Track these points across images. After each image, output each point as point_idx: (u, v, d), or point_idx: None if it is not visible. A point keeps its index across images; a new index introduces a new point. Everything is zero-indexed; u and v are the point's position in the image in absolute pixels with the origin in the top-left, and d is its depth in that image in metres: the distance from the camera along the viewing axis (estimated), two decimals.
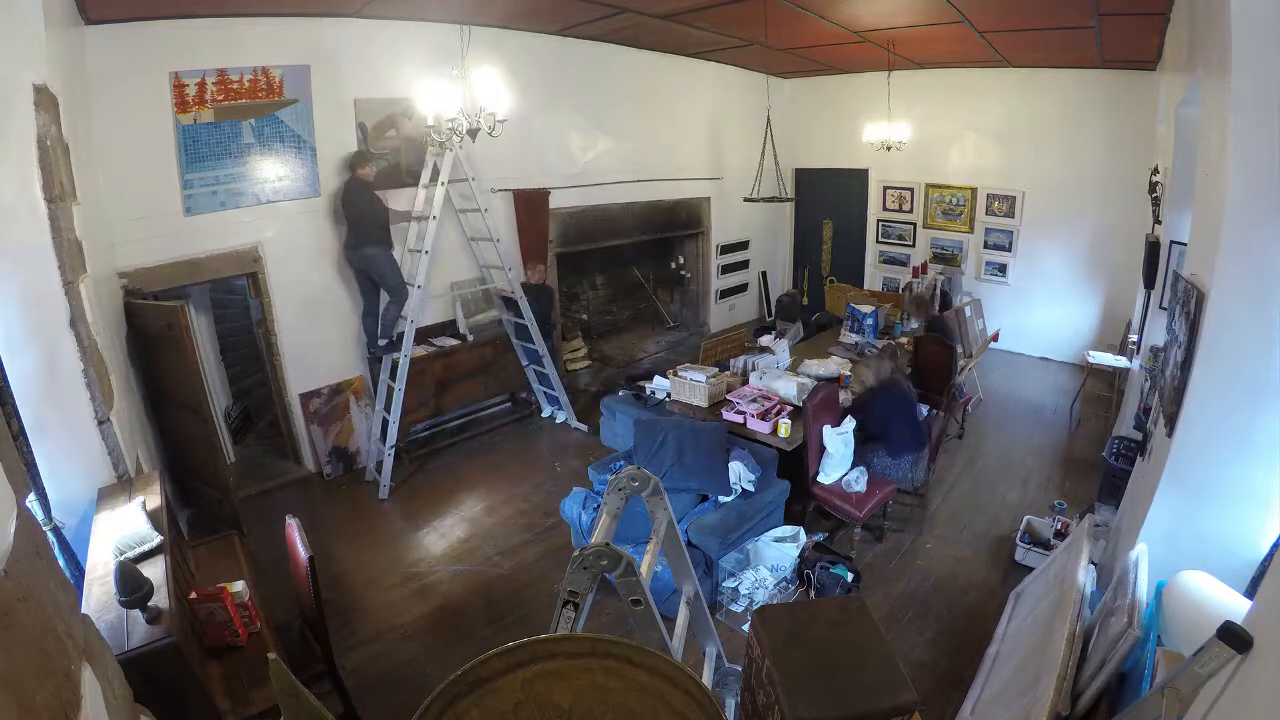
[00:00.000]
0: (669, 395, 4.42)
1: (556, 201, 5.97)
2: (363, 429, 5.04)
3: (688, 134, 7.34)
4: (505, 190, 5.58)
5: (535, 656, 1.09)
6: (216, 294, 5.33)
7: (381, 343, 4.71)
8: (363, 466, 4.99)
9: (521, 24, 5.27)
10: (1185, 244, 3.32)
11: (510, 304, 5.30)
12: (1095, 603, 2.61)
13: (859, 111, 7.24)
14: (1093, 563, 2.83)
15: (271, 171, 4.37)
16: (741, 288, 8.64)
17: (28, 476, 2.05)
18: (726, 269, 8.28)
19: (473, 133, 3.51)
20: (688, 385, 4.32)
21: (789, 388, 4.20)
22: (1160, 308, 4.05)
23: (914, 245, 7.98)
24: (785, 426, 3.84)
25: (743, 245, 8.43)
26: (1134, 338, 5.11)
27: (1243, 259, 2.08)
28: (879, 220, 8.22)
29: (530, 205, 5.73)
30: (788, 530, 3.66)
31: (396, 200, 4.95)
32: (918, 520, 4.18)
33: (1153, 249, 4.45)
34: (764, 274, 8.92)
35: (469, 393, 5.48)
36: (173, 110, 3.90)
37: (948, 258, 7.62)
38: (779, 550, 3.53)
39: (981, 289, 7.34)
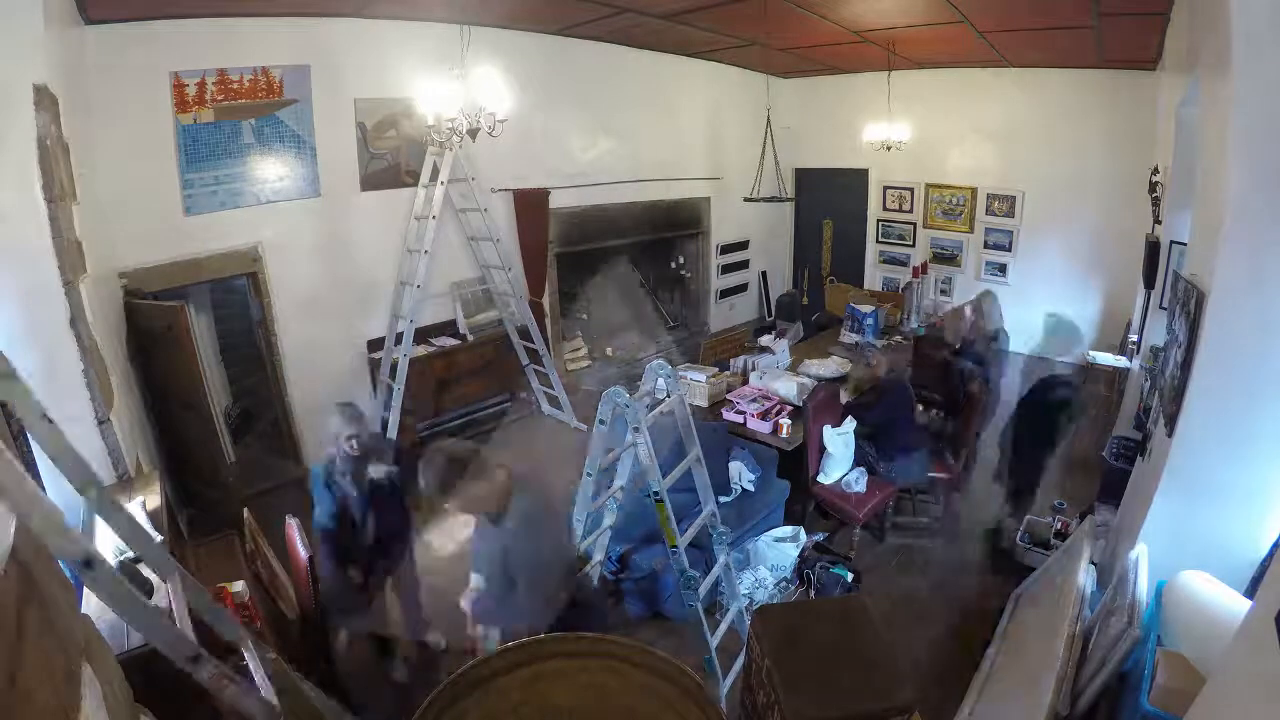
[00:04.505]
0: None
1: (556, 201, 5.96)
2: None
3: (688, 134, 7.34)
4: (505, 190, 5.57)
5: (535, 656, 1.10)
6: (216, 294, 5.32)
7: None
8: None
9: (521, 24, 5.27)
10: (1185, 244, 3.32)
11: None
12: (1095, 603, 2.61)
13: (859, 111, 7.23)
14: (1093, 563, 2.83)
15: (271, 171, 4.37)
16: (741, 288, 8.64)
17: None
18: (726, 269, 8.28)
19: (473, 133, 3.51)
20: (688, 385, 4.32)
21: (789, 388, 4.20)
22: (1160, 308, 4.05)
23: (914, 245, 7.97)
24: (785, 426, 3.84)
25: (743, 245, 8.43)
26: (1134, 338, 5.11)
27: (1243, 259, 2.08)
28: (879, 220, 8.21)
29: (530, 205, 5.73)
30: (788, 530, 3.66)
31: (396, 200, 4.95)
32: (918, 520, 4.18)
33: (1153, 249, 4.45)
34: (764, 274, 8.91)
35: (469, 392, 5.48)
36: (173, 110, 3.89)
37: (948, 257, 7.62)
38: (779, 550, 3.53)
39: (981, 289, 7.33)
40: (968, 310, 4.50)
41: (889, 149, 6.60)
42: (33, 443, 2.14)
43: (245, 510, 2.94)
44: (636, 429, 2.45)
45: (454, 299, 5.44)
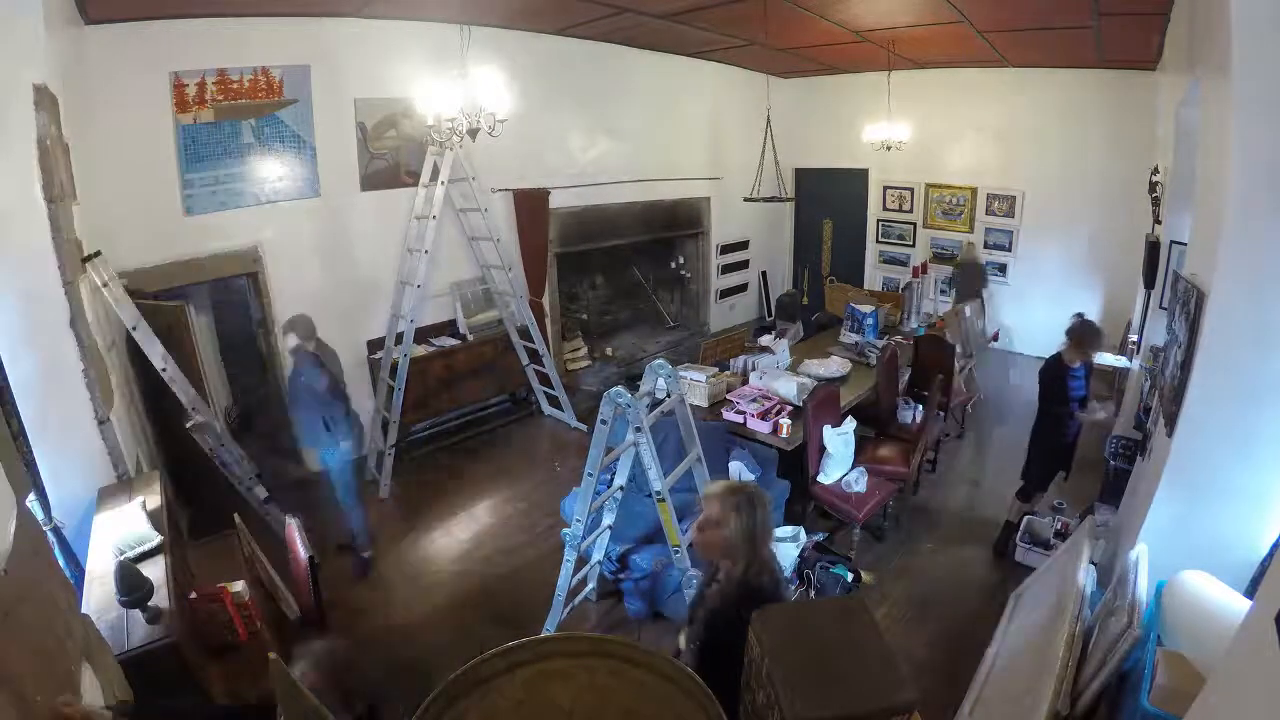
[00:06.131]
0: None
1: (556, 201, 5.96)
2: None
3: (688, 134, 7.34)
4: (505, 190, 5.58)
5: (535, 656, 1.10)
6: (216, 294, 5.32)
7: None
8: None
9: (521, 24, 5.27)
10: (1185, 244, 3.32)
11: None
12: (1095, 603, 2.61)
13: (859, 111, 7.24)
14: (1093, 563, 2.83)
15: (271, 171, 4.37)
16: (741, 288, 8.64)
17: (28, 476, 2.05)
18: (726, 269, 8.28)
19: (473, 133, 3.50)
20: (688, 385, 4.31)
21: (789, 388, 4.20)
22: (1160, 308, 4.05)
23: (914, 245, 7.98)
24: (785, 426, 3.84)
25: (743, 245, 8.43)
26: (1134, 338, 5.11)
27: (1243, 259, 2.08)
28: (879, 220, 8.22)
29: (530, 205, 5.73)
30: (788, 530, 3.65)
31: (396, 200, 4.95)
32: (918, 520, 4.18)
33: (1153, 249, 4.45)
34: (764, 274, 8.92)
35: (469, 393, 5.48)
36: (173, 110, 3.89)
37: (948, 257, 7.62)
38: (779, 550, 3.53)
39: (985, 293, 7.33)
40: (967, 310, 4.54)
41: (889, 149, 6.59)
42: (33, 443, 2.14)
43: (236, 515, 2.93)
44: (638, 429, 2.46)
45: (454, 299, 5.44)
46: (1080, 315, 3.84)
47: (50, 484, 2.33)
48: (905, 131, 6.60)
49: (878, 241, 8.29)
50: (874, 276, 8.36)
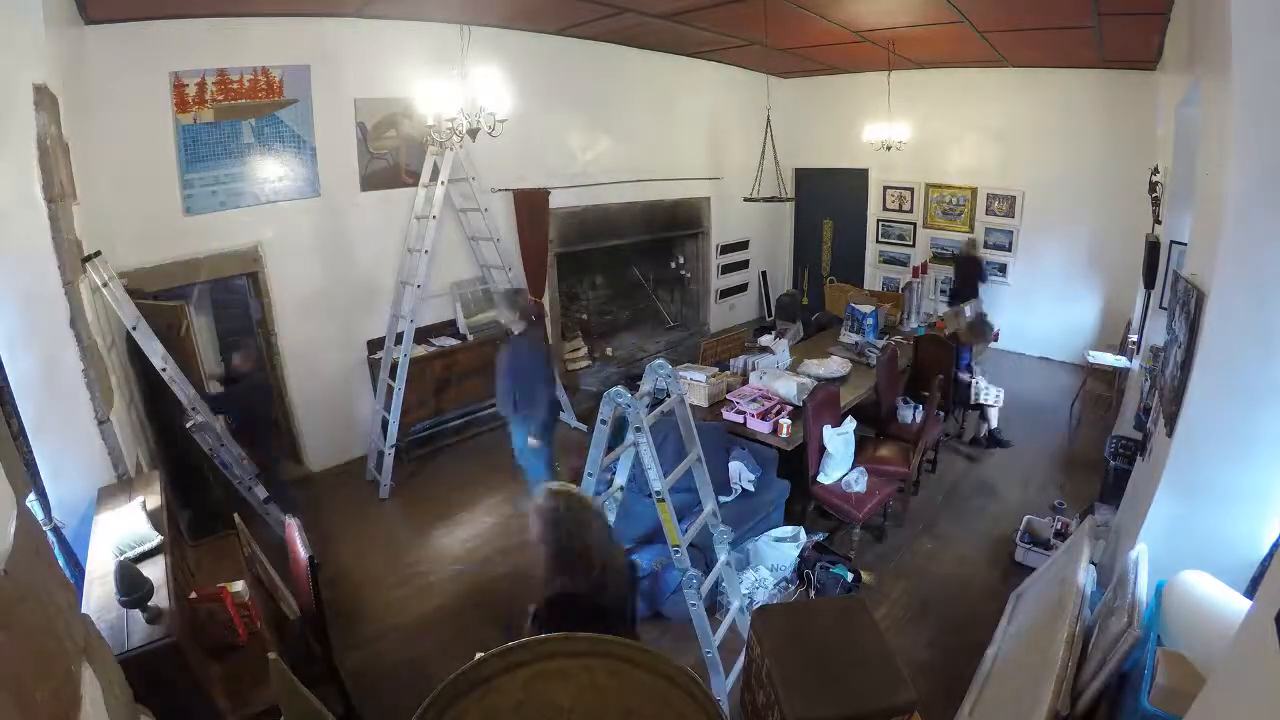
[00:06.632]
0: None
1: (556, 201, 5.96)
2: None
3: (688, 134, 7.34)
4: (505, 190, 5.58)
5: (535, 656, 1.09)
6: (216, 294, 5.31)
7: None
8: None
9: (521, 24, 5.27)
10: (1185, 244, 3.32)
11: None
12: (1095, 603, 2.61)
13: (859, 111, 7.24)
14: (1093, 563, 2.83)
15: (271, 171, 4.37)
16: (741, 288, 8.64)
17: (28, 476, 2.05)
18: (726, 269, 8.28)
19: (473, 133, 3.50)
20: (688, 385, 4.31)
21: (789, 388, 4.20)
22: (1160, 308, 4.05)
23: (914, 245, 7.98)
24: (785, 426, 3.84)
25: (743, 245, 8.43)
26: (1134, 337, 5.11)
27: (1243, 259, 2.08)
28: (879, 220, 8.22)
29: (530, 205, 5.73)
30: (788, 530, 3.66)
31: (396, 200, 4.95)
32: (918, 520, 4.18)
33: (1153, 249, 4.45)
34: (764, 274, 8.92)
35: (469, 392, 5.47)
36: (173, 110, 3.90)
37: (948, 257, 7.62)
38: (779, 550, 3.53)
39: (981, 289, 7.34)
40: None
41: (889, 149, 6.60)
42: (33, 443, 2.14)
43: (236, 515, 2.93)
44: (638, 429, 2.46)
45: (454, 299, 5.44)
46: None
47: (50, 484, 2.33)
48: (905, 131, 6.60)
49: (878, 241, 8.29)
50: (874, 276, 8.36)
